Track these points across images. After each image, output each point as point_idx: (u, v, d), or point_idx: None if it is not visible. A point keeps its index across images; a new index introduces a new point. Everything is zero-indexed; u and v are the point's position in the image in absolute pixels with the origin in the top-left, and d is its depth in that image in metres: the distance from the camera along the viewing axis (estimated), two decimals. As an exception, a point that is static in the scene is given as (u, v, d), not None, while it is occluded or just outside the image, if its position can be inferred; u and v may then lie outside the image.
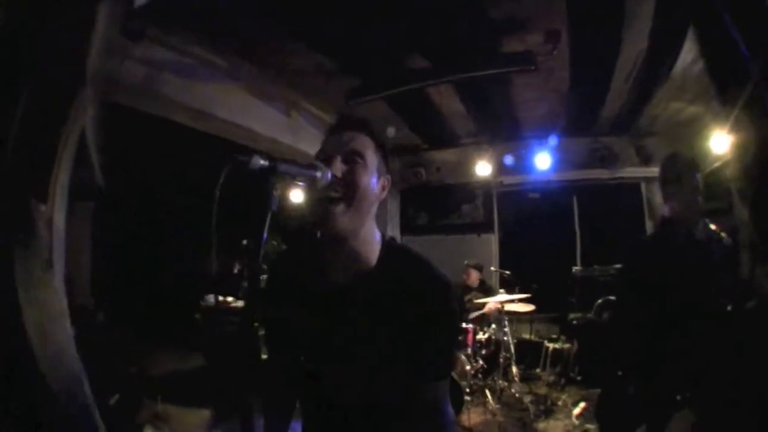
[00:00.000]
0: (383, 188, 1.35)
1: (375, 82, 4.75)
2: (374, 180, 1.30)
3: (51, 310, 2.24)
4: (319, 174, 1.14)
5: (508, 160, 6.74)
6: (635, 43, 3.85)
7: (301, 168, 1.10)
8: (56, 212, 2.74)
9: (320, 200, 1.20)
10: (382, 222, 7.42)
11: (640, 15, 3.43)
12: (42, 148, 2.57)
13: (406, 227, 7.96)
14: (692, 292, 2.36)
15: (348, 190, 1.22)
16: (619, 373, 2.92)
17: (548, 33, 3.84)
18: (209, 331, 4.97)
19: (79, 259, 4.03)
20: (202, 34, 3.81)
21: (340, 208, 1.21)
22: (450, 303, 1.30)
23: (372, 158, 1.30)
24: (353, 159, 1.25)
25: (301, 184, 1.12)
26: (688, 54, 3.77)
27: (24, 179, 2.36)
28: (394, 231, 7.78)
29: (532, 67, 4.20)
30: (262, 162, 0.99)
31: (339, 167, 1.22)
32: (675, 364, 2.40)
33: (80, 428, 2.25)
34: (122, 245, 5.13)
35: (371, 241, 1.32)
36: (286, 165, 1.04)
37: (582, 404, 4.48)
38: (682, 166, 2.57)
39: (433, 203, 7.83)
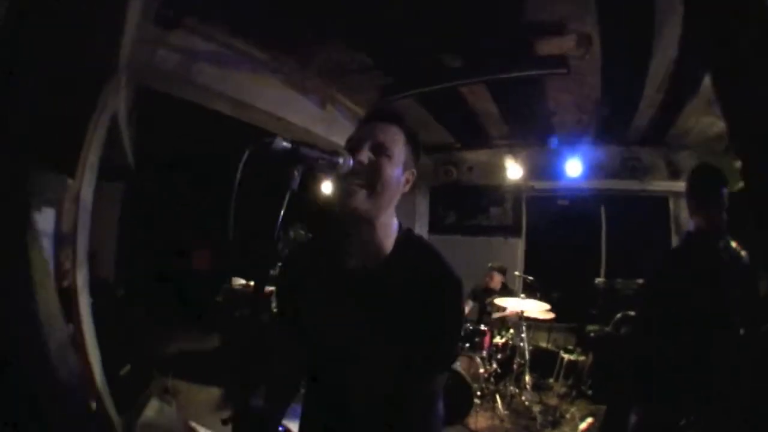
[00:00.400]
0: (407, 181, 1.37)
1: (409, 80, 4.80)
2: (399, 172, 1.31)
3: (54, 311, 2.33)
4: (341, 160, 1.17)
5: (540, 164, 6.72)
6: (665, 52, 3.77)
7: (323, 153, 1.13)
8: (84, 188, 2.92)
9: (343, 186, 1.23)
10: (410, 218, 7.51)
11: (669, 23, 3.36)
12: (72, 127, 2.73)
13: (435, 225, 8.00)
14: (710, 311, 2.31)
15: (371, 178, 1.25)
16: (626, 389, 2.91)
17: (580, 36, 3.80)
18: (229, 313, 5.15)
19: (104, 236, 4.23)
20: (239, 26, 3.93)
21: (362, 195, 1.24)
22: (458, 298, 1.32)
23: (400, 151, 1.32)
24: (380, 150, 1.28)
25: (324, 168, 1.15)
26: None
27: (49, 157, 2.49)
28: (422, 229, 7.84)
29: (564, 71, 4.18)
30: (284, 144, 1.04)
31: (366, 155, 1.25)
32: (684, 385, 2.36)
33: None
34: (149, 225, 5.30)
35: (388, 230, 1.34)
36: (308, 149, 1.08)
37: (589, 419, 4.41)
38: (709, 180, 2.53)
39: (462, 203, 7.84)
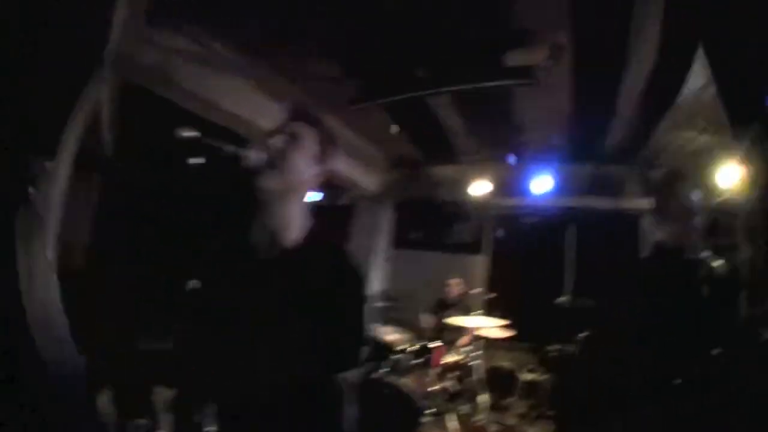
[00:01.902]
0: (318, 176, 1.56)
1: (376, 89, 4.92)
2: (307, 163, 1.51)
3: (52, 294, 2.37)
4: (251, 153, 1.36)
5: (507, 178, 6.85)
6: (640, 64, 3.88)
7: (229, 144, 1.32)
8: (60, 172, 2.95)
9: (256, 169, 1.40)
10: (372, 234, 7.67)
11: (646, 35, 3.46)
12: (57, 111, 2.82)
13: (399, 241, 8.10)
14: (677, 332, 2.18)
15: (279, 161, 1.43)
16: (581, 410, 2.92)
17: (552, 47, 3.91)
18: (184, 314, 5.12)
19: (79, 225, 4.26)
20: (218, 29, 4.13)
21: (270, 175, 1.41)
22: (359, 291, 1.49)
23: (310, 144, 1.51)
24: (291, 139, 1.48)
25: (226, 159, 1.30)
26: (699, 78, 3.73)
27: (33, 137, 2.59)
28: (383, 243, 7.93)
29: (531, 82, 4.23)
30: (188, 134, 1.21)
31: (278, 140, 1.46)
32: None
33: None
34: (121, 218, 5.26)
35: (295, 222, 1.50)
36: (215, 140, 1.26)
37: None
38: (677, 183, 2.45)
39: (427, 219, 8.01)
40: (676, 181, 2.46)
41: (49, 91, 2.69)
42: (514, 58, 4.10)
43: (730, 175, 4.65)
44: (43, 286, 2.31)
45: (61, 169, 2.98)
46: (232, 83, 4.71)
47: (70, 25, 2.62)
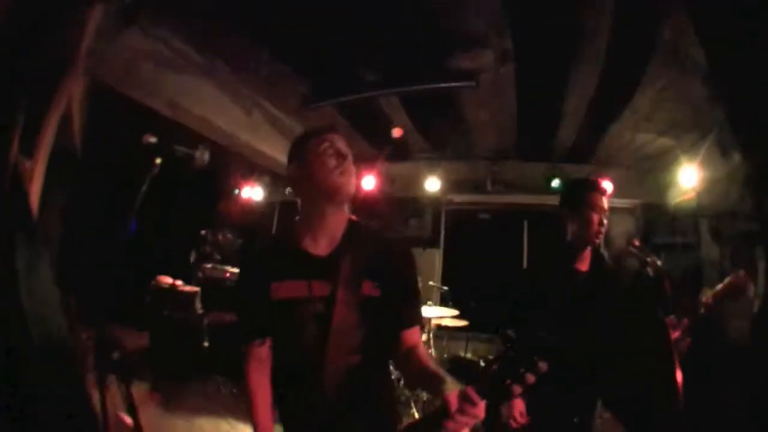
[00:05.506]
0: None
1: (328, 91, 5.27)
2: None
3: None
4: (197, 154, 1.54)
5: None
6: (590, 68, 4.20)
7: (180, 147, 1.48)
8: (37, 172, 3.12)
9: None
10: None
11: (597, 34, 3.71)
12: (33, 110, 2.94)
13: None
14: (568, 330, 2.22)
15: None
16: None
17: (498, 51, 4.20)
18: (156, 312, 5.54)
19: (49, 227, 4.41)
20: (183, 29, 4.34)
21: None
22: (410, 262, 1.74)
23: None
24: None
25: (182, 159, 1.45)
26: (657, 81, 4.09)
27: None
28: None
29: (473, 84, 4.61)
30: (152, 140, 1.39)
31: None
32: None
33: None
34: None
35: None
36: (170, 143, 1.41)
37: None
38: (581, 188, 2.70)
39: (382, 214, 7.98)
40: (585, 188, 2.70)
41: (26, 90, 2.83)
42: (460, 62, 4.47)
43: (690, 176, 5.15)
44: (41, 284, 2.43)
45: (38, 168, 3.20)
46: (197, 83, 4.98)
47: (46, 26, 2.80)
